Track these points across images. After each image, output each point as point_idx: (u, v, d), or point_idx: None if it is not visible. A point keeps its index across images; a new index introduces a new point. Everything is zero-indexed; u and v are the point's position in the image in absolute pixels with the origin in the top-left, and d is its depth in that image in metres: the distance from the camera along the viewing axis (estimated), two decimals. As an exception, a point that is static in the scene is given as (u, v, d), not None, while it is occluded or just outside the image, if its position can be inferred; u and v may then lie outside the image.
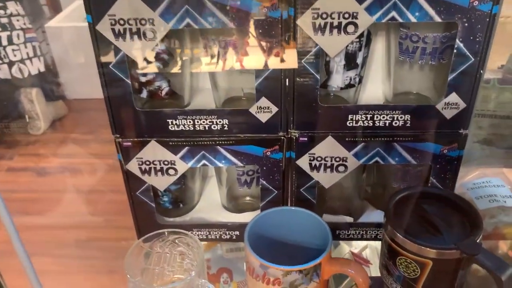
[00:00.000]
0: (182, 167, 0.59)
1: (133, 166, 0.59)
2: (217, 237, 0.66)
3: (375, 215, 0.65)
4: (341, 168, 0.59)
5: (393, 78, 0.60)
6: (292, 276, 0.48)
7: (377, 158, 0.58)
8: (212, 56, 0.57)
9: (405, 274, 0.47)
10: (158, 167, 0.59)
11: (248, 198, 0.70)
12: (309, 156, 0.58)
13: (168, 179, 0.61)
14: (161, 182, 0.61)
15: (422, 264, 0.46)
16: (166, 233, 0.57)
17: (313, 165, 0.59)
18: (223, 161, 0.59)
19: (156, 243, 0.57)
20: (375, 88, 0.62)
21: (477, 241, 0.45)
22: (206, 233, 0.66)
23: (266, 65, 0.52)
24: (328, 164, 0.59)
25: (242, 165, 0.59)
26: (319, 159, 0.58)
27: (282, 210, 0.57)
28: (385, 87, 0.62)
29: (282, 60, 0.52)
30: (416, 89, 0.60)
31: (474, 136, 0.76)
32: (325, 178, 0.60)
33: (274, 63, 0.52)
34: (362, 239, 0.65)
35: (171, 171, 0.60)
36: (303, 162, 0.59)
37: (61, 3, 2.29)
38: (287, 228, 0.56)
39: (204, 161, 0.59)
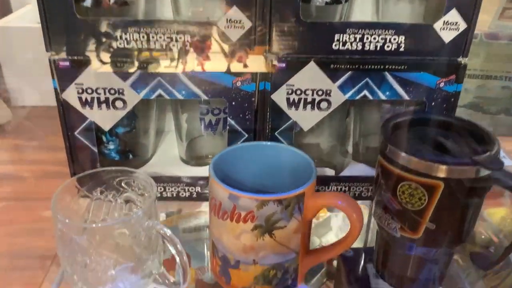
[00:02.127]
0: (133, 97, 0.49)
1: (71, 95, 0.48)
2: (174, 195, 0.55)
3: (359, 169, 0.56)
4: (323, 105, 0.50)
5: (381, 12, 0.53)
6: (269, 208, 0.38)
7: (365, 92, 0.50)
8: (172, 59, 0.49)
9: (409, 206, 0.38)
10: (102, 97, 0.48)
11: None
12: (287, 89, 0.49)
13: (115, 114, 0.50)
14: (105, 119, 0.50)
15: (431, 188, 0.37)
16: (108, 172, 0.45)
17: (291, 100, 0.50)
18: (183, 92, 0.49)
19: (95, 187, 0.45)
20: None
21: (497, 156, 0.37)
22: (160, 189, 0.54)
23: (228, 69, 0.47)
24: (309, 99, 0.50)
25: (206, 98, 0.49)
26: (298, 92, 0.49)
27: (254, 145, 0.47)
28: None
29: (245, 66, 0.47)
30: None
31: (459, 99, 0.70)
32: (304, 118, 0.51)
33: (237, 68, 0.47)
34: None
35: (119, 103, 0.49)
36: (279, 96, 0.49)
37: (12, 6, 2.16)
38: (261, 166, 0.46)
39: (160, 91, 0.49)
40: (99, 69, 0.47)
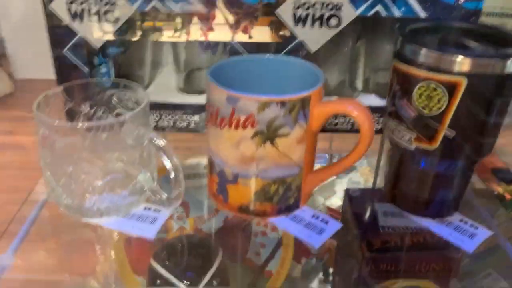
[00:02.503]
0: (125, 9, 0.45)
1: (59, 6, 0.44)
2: (170, 124, 0.51)
3: (369, 100, 0.53)
4: (333, 21, 0.46)
5: None
6: (271, 111, 0.34)
7: (379, 7, 0.46)
8: (176, 30, 0.47)
9: (426, 110, 0.34)
10: (93, 9, 0.45)
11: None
12: (294, 2, 0.45)
13: (107, 29, 0.46)
14: (97, 34, 0.46)
15: (452, 86, 0.33)
16: (97, 84, 0.42)
17: (297, 15, 0.46)
18: (180, 3, 0.45)
19: (84, 101, 0.42)
20: None
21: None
22: (156, 117, 0.51)
23: (233, 39, 0.45)
24: (317, 14, 0.46)
25: (205, 12, 0.46)
26: (306, 6, 0.45)
27: (256, 57, 0.43)
28: None
29: (250, 37, 0.45)
30: None
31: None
32: (312, 37, 0.47)
33: (241, 38, 0.46)
34: (351, 130, 0.52)
35: (110, 16, 0.45)
36: (285, 11, 0.46)
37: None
38: (263, 80, 0.42)
39: (155, 2, 0.45)
40: (89, -22, 0.43)
